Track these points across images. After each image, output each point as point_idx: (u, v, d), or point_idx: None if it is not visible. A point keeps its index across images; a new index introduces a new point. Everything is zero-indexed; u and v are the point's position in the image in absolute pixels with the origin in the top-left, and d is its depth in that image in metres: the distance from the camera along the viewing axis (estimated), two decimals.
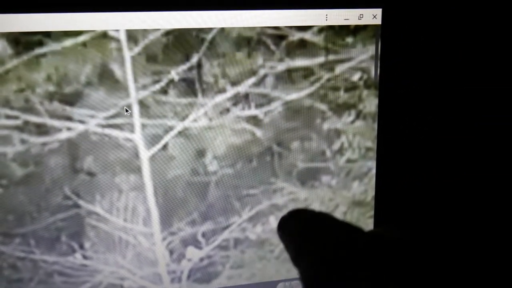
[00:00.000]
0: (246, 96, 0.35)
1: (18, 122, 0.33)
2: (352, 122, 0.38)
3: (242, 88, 0.35)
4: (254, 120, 0.36)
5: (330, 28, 0.35)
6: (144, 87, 0.34)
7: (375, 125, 0.38)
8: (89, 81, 0.33)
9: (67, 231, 0.36)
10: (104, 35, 0.33)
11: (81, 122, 0.34)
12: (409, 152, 0.40)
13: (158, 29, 0.33)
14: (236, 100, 0.35)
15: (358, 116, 0.38)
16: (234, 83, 0.35)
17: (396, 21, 0.36)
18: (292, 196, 0.38)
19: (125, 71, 0.33)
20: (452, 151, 0.40)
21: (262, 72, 0.35)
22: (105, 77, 0.33)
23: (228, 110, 0.35)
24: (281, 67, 0.35)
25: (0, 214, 0.34)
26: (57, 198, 0.35)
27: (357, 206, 0.40)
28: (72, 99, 0.33)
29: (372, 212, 0.40)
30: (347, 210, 0.40)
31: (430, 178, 0.41)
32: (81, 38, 0.32)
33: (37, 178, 0.34)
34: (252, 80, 0.35)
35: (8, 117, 0.33)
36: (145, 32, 0.33)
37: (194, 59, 0.34)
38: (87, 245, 0.36)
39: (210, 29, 0.34)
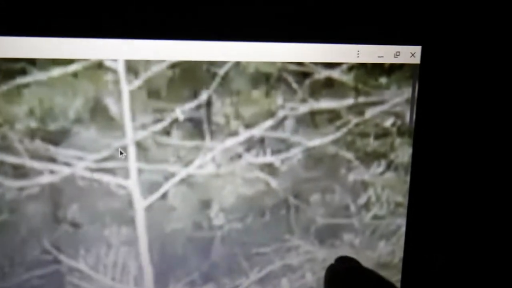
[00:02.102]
0: (262, 140, 0.31)
1: None
2: (382, 173, 0.33)
3: (257, 132, 0.30)
4: (269, 168, 0.31)
5: (362, 66, 0.31)
6: (143, 126, 0.29)
7: (408, 178, 0.33)
8: (79, 117, 0.28)
9: None
10: (99, 65, 0.28)
11: (67, 164, 0.29)
12: (444, 210, 0.34)
13: (163, 61, 0.28)
14: (250, 145, 0.31)
15: (388, 167, 0.33)
16: (248, 126, 0.30)
17: (437, 61, 0.32)
18: (308, 256, 0.33)
19: (122, 108, 0.29)
20: (496, 209, 0.35)
21: (281, 113, 0.30)
22: (98, 114, 0.28)
23: (239, 156, 0.31)
24: (303, 108, 0.31)
25: None
26: (34, 252, 0.30)
27: (382, 268, 0.35)
28: (57, 138, 0.28)
29: (399, 276, 0.35)
30: None
31: (467, 240, 0.35)
32: (71, 68, 0.28)
33: (11, 228, 0.29)
34: (270, 122, 0.30)
35: None
36: (147, 63, 0.28)
37: (203, 96, 0.29)
38: None
39: (224, 63, 0.29)
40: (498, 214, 0.35)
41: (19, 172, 0.28)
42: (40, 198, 0.29)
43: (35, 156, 0.28)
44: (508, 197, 0.35)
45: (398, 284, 0.35)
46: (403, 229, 0.34)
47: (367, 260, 0.34)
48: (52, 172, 0.29)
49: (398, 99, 0.32)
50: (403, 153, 0.33)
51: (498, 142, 0.34)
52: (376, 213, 0.34)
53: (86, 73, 0.28)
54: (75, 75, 0.28)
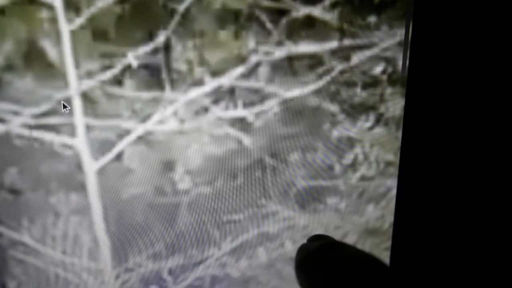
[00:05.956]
0: (232, 91, 0.27)
1: None
2: (370, 128, 0.30)
3: (226, 81, 0.26)
4: (241, 124, 0.28)
5: (347, 2, 0.27)
6: (89, 74, 0.25)
7: (399, 134, 0.30)
8: (10, 64, 0.24)
9: None
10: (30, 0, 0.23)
11: (0, 120, 0.24)
12: (440, 170, 0.31)
13: None
14: (218, 96, 0.27)
15: (378, 121, 0.30)
16: (215, 74, 0.26)
17: None
18: (288, 222, 0.30)
19: (62, 52, 0.24)
20: (498, 172, 0.32)
21: (253, 59, 0.27)
22: (33, 59, 0.24)
23: (206, 109, 0.27)
24: (279, 53, 0.27)
25: None
26: None
27: (370, 235, 0.32)
28: None
29: (388, 243, 0.32)
30: (358, 240, 0.32)
31: (463, 201, 0.32)
32: None
33: None
34: (240, 69, 0.27)
35: None
36: None
37: (160, 38, 0.25)
38: (12, 285, 0.27)
39: None
40: (501, 175, 0.32)
41: None
42: None
43: None
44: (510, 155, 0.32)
45: (387, 252, 0.32)
46: (394, 191, 0.31)
47: (353, 226, 0.31)
48: None
49: (389, 42, 0.28)
50: (395, 105, 0.29)
51: (505, 92, 0.30)
52: (363, 174, 0.31)
53: (16, 9, 0.23)
54: (1, 11, 0.23)
